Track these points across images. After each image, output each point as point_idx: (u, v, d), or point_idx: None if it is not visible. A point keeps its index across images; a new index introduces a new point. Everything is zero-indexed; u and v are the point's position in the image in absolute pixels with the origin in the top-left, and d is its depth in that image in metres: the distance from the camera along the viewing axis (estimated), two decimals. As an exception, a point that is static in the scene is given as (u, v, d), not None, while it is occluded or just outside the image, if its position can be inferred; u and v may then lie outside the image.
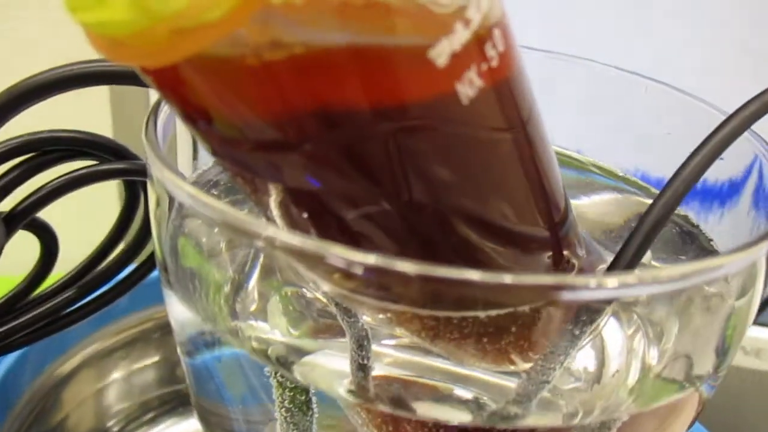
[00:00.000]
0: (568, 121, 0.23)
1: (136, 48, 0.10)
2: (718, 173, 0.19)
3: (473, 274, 0.12)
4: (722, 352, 0.16)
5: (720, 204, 0.20)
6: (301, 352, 0.19)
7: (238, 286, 0.19)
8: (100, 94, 0.47)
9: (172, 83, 0.12)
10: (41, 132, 0.24)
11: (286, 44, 0.11)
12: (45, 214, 0.25)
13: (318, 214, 0.14)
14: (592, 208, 0.22)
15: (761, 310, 0.16)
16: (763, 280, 0.16)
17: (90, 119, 0.30)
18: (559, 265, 0.16)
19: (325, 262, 0.13)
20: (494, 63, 0.13)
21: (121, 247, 0.27)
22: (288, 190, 0.14)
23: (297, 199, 0.14)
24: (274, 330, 0.19)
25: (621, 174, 0.23)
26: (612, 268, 0.14)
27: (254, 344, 0.18)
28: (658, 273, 0.13)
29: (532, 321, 0.15)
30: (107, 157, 0.25)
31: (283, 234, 0.13)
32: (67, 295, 0.26)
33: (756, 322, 0.16)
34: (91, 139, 0.25)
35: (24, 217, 0.24)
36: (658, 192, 0.15)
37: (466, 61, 0.13)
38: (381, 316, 0.16)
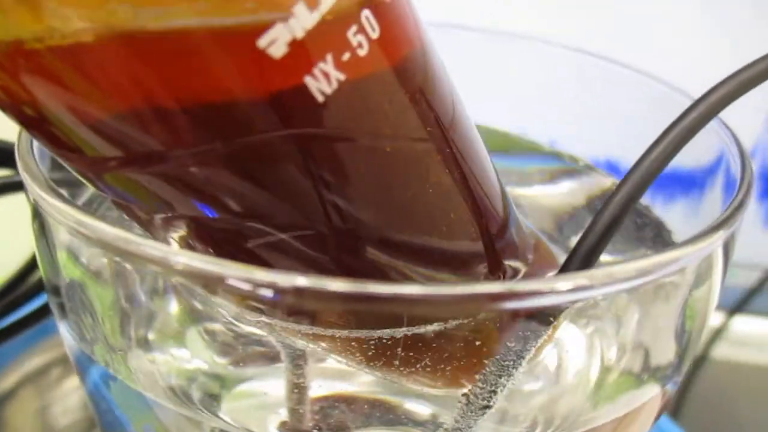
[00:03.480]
0: (530, 106, 0.22)
1: None
2: (680, 159, 0.19)
3: (387, 288, 0.10)
4: (683, 340, 0.15)
5: (683, 192, 0.19)
6: (232, 382, 0.17)
7: (147, 309, 0.16)
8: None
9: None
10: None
11: (76, 29, 0.10)
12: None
13: (215, 243, 0.12)
14: (551, 197, 0.21)
15: (746, 299, 0.15)
16: (721, 269, 0.15)
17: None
18: (497, 276, 0.14)
19: (238, 287, 0.11)
20: (362, 51, 0.11)
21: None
22: (177, 218, 0.12)
23: (193, 232, 0.12)
24: (196, 359, 0.17)
25: (585, 162, 0.21)
26: (564, 269, 0.12)
27: (174, 381, 0.16)
28: (612, 271, 0.11)
29: (471, 338, 0.13)
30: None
31: (183, 257, 0.11)
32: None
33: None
34: (4, 148, 0.23)
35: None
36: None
37: (317, 51, 0.11)
38: (311, 345, 0.15)
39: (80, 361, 0.16)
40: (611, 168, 0.21)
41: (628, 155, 0.20)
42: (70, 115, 0.11)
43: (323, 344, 0.14)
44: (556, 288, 0.11)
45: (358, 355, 0.14)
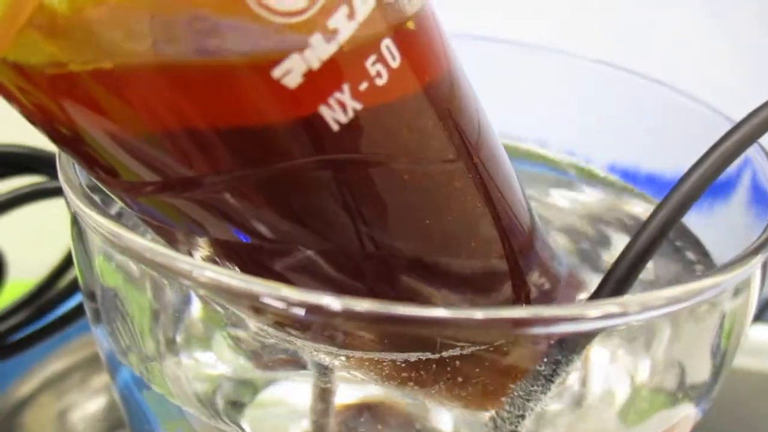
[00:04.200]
0: (548, 117, 0.22)
1: None
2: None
3: (415, 311, 0.10)
4: (718, 358, 0.15)
5: (710, 200, 0.19)
6: (255, 389, 0.17)
7: (177, 315, 0.17)
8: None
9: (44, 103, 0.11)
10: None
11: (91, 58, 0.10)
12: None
13: (243, 262, 0.12)
14: (567, 211, 0.21)
15: (764, 308, 0.15)
16: (758, 287, 0.14)
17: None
18: (521, 295, 0.14)
19: (269, 305, 0.11)
20: (381, 81, 0.11)
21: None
22: (210, 241, 0.12)
23: (220, 250, 0.12)
24: (222, 364, 0.17)
25: (602, 174, 0.21)
26: (598, 293, 0.12)
27: (199, 387, 0.16)
28: (647, 299, 0.11)
29: (499, 362, 0.13)
30: (54, 173, 0.23)
31: (213, 272, 0.11)
32: (17, 320, 0.25)
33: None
34: (35, 155, 0.23)
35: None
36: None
37: (333, 81, 0.10)
38: (337, 362, 0.15)
39: (111, 360, 0.16)
40: (629, 177, 0.21)
41: (647, 164, 0.20)
42: (105, 139, 0.11)
43: (350, 363, 0.14)
44: (588, 315, 0.11)
45: (385, 374, 0.14)
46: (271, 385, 0.17)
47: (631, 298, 0.11)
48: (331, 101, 0.10)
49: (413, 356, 0.13)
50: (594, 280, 0.17)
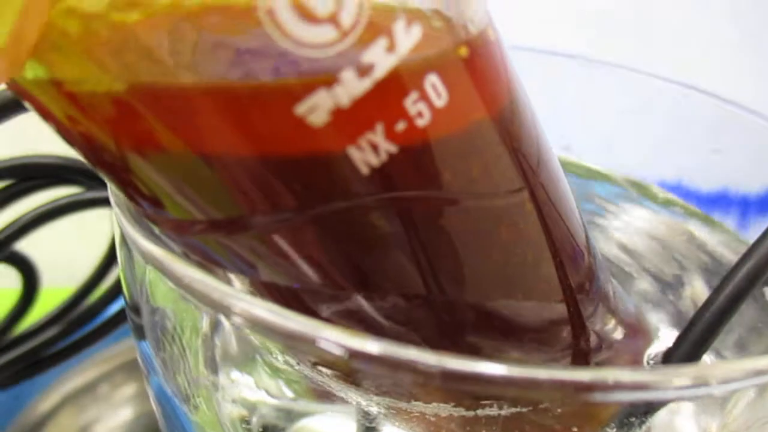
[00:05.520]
0: (605, 133, 0.20)
1: None
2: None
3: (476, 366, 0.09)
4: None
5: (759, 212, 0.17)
6: (294, 416, 0.16)
7: (216, 326, 0.16)
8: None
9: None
10: (20, 157, 0.22)
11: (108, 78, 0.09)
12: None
13: (286, 303, 0.12)
14: (623, 233, 0.19)
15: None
16: None
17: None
18: (581, 342, 0.13)
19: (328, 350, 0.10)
20: (422, 121, 0.09)
21: (109, 280, 0.25)
22: (257, 282, 0.11)
23: (265, 291, 0.12)
24: (261, 390, 0.16)
25: (661, 195, 0.20)
26: (670, 357, 0.11)
27: (233, 410, 0.15)
28: (730, 370, 0.10)
29: (566, 422, 0.12)
30: (92, 184, 0.23)
31: (270, 313, 0.10)
32: (49, 333, 0.24)
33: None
34: (75, 166, 0.23)
35: (2, 250, 0.22)
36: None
37: (364, 121, 0.09)
38: (373, 408, 0.13)
39: (146, 360, 0.16)
40: (678, 191, 0.19)
41: (698, 179, 0.19)
42: (140, 168, 0.10)
43: (391, 413, 0.13)
44: (662, 384, 0.10)
45: (431, 429, 0.12)
46: (309, 417, 0.16)
47: (712, 369, 0.10)
48: (362, 142, 0.09)
49: (468, 413, 0.12)
50: (653, 317, 0.16)
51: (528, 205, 0.11)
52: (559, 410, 0.11)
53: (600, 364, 0.13)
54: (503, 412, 0.12)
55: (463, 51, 0.10)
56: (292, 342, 0.10)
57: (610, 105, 0.20)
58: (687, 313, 0.16)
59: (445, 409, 0.12)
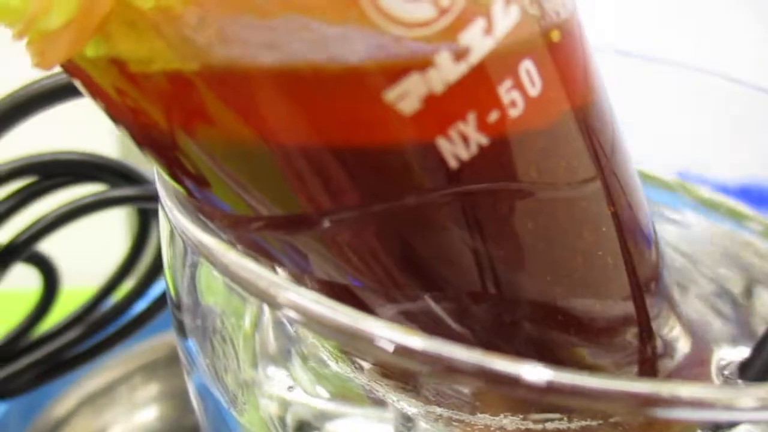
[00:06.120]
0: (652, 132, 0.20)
1: (29, 48, 0.09)
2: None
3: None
4: None
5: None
6: (328, 417, 0.15)
7: (258, 318, 0.16)
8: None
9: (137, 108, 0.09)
10: (44, 154, 0.22)
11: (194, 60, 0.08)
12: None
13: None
14: (676, 237, 0.19)
15: None
16: None
17: (92, 134, 0.28)
18: (647, 345, 0.12)
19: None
20: (515, 111, 0.09)
21: (131, 280, 0.25)
22: (315, 279, 0.11)
23: (323, 289, 0.11)
24: (296, 387, 0.16)
25: (715, 199, 0.19)
26: (746, 372, 0.10)
27: (270, 406, 0.15)
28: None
29: None
30: (116, 181, 0.23)
31: (340, 314, 0.09)
32: (70, 336, 0.24)
33: None
34: (98, 162, 0.22)
35: (24, 250, 0.22)
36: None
37: (456, 109, 0.09)
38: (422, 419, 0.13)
39: (190, 359, 0.15)
40: (744, 194, 0.19)
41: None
42: (202, 154, 0.10)
43: (462, 429, 0.12)
44: (740, 404, 0.09)
45: None
46: (341, 417, 0.15)
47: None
48: (452, 133, 0.09)
49: (531, 425, 0.11)
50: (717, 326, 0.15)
51: (601, 195, 0.11)
52: (630, 424, 0.11)
53: (669, 376, 0.12)
54: (573, 426, 0.11)
55: (556, 35, 0.09)
56: (346, 339, 0.10)
57: (658, 102, 0.20)
58: (755, 325, 0.16)
59: (512, 422, 0.11)
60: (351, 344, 0.10)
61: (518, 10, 0.09)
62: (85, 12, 0.08)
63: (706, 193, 0.19)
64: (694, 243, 0.18)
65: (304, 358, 0.16)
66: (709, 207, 0.19)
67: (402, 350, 0.09)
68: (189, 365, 0.15)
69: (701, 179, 0.19)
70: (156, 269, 0.24)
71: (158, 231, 0.22)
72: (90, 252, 0.28)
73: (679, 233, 0.18)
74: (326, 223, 0.10)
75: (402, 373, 0.12)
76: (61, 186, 0.22)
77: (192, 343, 0.14)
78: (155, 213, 0.23)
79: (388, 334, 0.09)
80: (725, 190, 0.19)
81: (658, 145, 0.19)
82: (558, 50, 0.09)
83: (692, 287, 0.16)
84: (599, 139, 0.11)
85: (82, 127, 0.29)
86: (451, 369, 0.09)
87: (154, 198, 0.22)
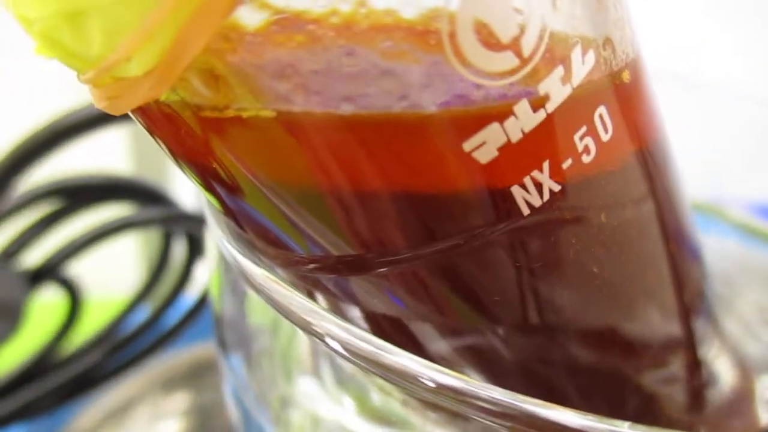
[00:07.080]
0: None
1: (98, 91, 0.09)
2: None
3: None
4: None
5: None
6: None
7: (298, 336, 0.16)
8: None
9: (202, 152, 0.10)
10: (69, 177, 0.22)
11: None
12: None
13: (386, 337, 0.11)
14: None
15: None
16: None
17: (106, 149, 0.28)
18: (694, 380, 0.12)
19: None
20: (588, 157, 0.09)
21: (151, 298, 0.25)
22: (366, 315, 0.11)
23: (371, 322, 0.11)
24: (341, 409, 0.16)
25: (750, 223, 0.19)
26: None
27: (304, 422, 0.15)
28: None
29: None
30: (140, 201, 0.23)
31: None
32: (96, 355, 0.24)
33: None
34: (124, 183, 0.22)
35: (55, 273, 0.22)
36: None
37: (533, 158, 0.09)
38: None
39: (235, 374, 0.15)
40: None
41: None
42: (263, 197, 0.10)
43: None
44: None
45: None
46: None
47: None
48: (527, 181, 0.09)
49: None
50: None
51: (661, 231, 0.11)
52: None
53: (718, 410, 0.13)
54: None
55: (626, 76, 0.09)
56: (394, 377, 0.10)
57: (693, 124, 0.20)
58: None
59: None
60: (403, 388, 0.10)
61: (594, 55, 0.09)
62: (169, 62, 0.08)
63: (740, 216, 0.19)
64: (730, 267, 0.18)
65: (349, 384, 0.16)
66: (743, 230, 0.19)
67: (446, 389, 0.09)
68: (229, 379, 0.15)
69: (736, 201, 0.19)
70: (179, 287, 0.25)
71: (176, 249, 0.23)
72: (103, 260, 0.28)
73: (713, 257, 0.18)
74: (384, 265, 0.10)
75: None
76: (85, 208, 0.22)
77: (237, 359, 0.14)
78: (178, 233, 0.24)
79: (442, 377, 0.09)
80: (761, 211, 0.19)
81: (691, 166, 0.19)
82: (628, 91, 0.09)
83: (729, 311, 0.16)
84: (661, 172, 0.11)
85: (96, 143, 0.29)
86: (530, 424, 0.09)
87: (181, 219, 0.23)
